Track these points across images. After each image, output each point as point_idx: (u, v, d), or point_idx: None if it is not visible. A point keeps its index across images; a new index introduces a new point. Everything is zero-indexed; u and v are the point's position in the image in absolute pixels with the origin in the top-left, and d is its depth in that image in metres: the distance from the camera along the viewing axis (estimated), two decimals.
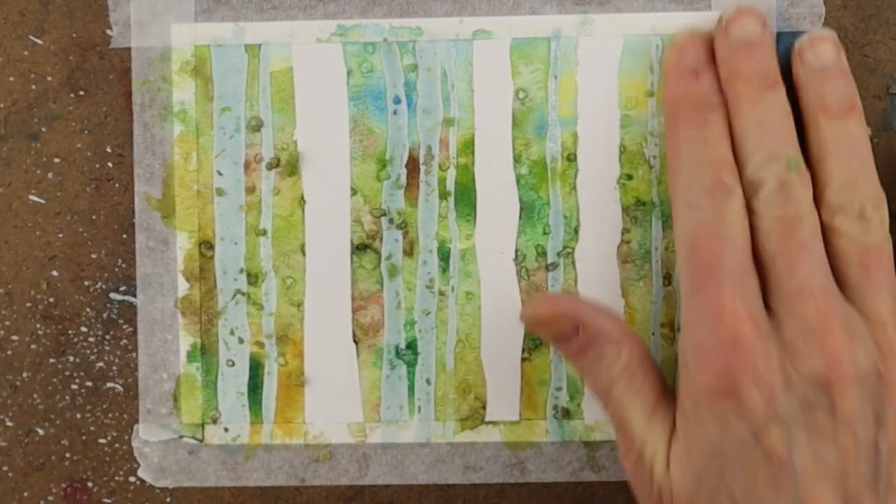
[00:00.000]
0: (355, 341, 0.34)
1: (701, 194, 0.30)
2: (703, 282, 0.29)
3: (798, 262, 0.29)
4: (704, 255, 0.29)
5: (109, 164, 0.34)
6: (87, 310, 0.34)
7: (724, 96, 0.31)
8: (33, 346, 0.34)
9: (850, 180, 0.30)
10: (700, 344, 0.29)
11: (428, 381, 0.34)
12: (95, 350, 0.34)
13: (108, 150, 0.34)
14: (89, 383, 0.34)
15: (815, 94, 0.30)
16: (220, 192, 0.34)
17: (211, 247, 0.34)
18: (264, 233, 0.34)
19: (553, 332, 0.31)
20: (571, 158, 0.34)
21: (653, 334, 0.34)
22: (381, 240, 0.34)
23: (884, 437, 0.28)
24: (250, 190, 0.34)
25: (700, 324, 0.29)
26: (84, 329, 0.34)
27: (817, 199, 0.30)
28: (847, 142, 0.30)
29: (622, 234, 0.34)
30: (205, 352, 0.34)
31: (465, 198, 0.34)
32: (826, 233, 0.30)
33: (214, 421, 0.34)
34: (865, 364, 0.28)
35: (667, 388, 0.31)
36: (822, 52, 0.31)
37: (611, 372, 0.30)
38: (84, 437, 0.34)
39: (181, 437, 0.34)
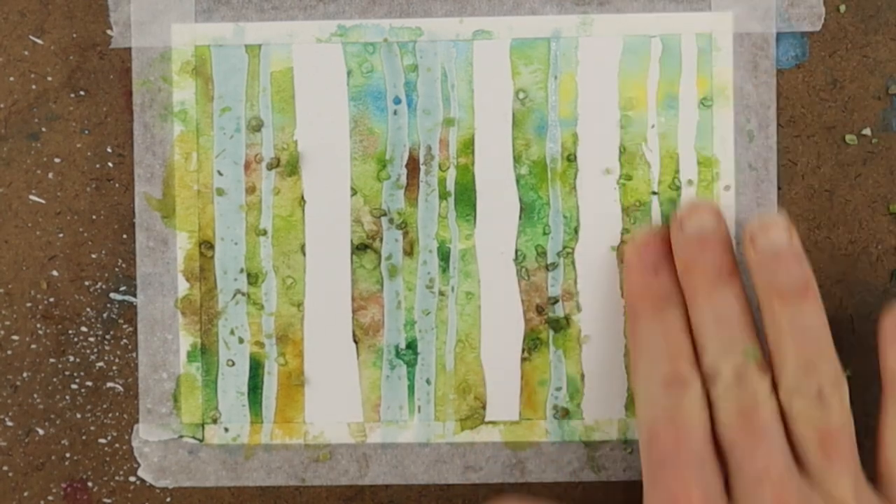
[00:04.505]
0: (355, 341, 0.34)
1: (659, 386, 0.30)
2: (661, 472, 0.29)
3: (756, 449, 0.29)
4: (662, 444, 0.29)
5: (109, 164, 0.34)
6: (87, 310, 0.34)
7: (682, 289, 0.31)
8: (33, 346, 0.34)
9: (806, 362, 0.30)
10: None
11: (428, 381, 0.34)
12: (95, 350, 0.34)
13: (109, 150, 0.34)
14: (89, 383, 0.34)
15: (769, 278, 0.31)
16: (220, 192, 0.34)
17: (211, 247, 0.34)
18: (264, 233, 0.34)
19: None
20: (571, 158, 0.34)
21: None
22: (381, 240, 0.34)
23: None
24: (250, 190, 0.34)
25: None
26: (84, 329, 0.34)
27: (776, 382, 0.30)
28: (803, 324, 0.30)
29: (622, 234, 0.34)
30: (205, 352, 0.34)
31: (465, 198, 0.34)
32: (786, 415, 0.30)
33: (214, 421, 0.34)
34: None
35: None
36: (774, 236, 0.31)
37: None
38: (84, 437, 0.34)
39: (181, 436, 0.34)
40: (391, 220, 0.34)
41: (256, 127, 0.34)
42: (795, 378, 0.30)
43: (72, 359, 0.34)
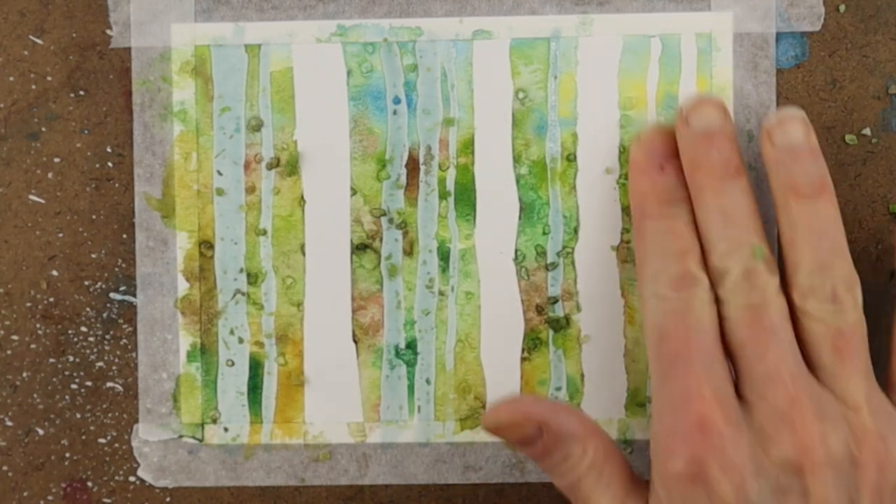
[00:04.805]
0: (355, 341, 0.34)
1: (668, 284, 0.30)
2: (672, 370, 0.29)
3: (766, 348, 0.29)
4: (672, 343, 0.29)
5: (109, 164, 0.34)
6: (87, 310, 0.34)
7: (688, 187, 0.31)
8: (33, 346, 0.34)
9: (821, 262, 0.30)
10: (669, 431, 0.29)
11: (428, 381, 0.34)
12: (95, 350, 0.34)
13: (108, 150, 0.34)
14: (89, 383, 0.34)
15: (785, 175, 0.30)
16: (220, 192, 0.34)
17: (211, 247, 0.34)
18: (264, 233, 0.34)
19: (516, 436, 0.30)
20: (571, 158, 0.34)
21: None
22: (380, 240, 0.34)
23: None
24: (250, 190, 0.34)
25: (669, 411, 0.29)
26: (84, 329, 0.34)
27: (789, 281, 0.30)
28: (818, 223, 0.30)
29: (622, 234, 0.34)
30: (205, 352, 0.34)
31: (464, 198, 0.34)
32: (798, 316, 0.30)
33: (214, 421, 0.34)
34: (838, 448, 0.28)
35: (635, 478, 0.31)
36: (791, 132, 0.31)
37: (577, 470, 0.30)
38: (84, 437, 0.34)
39: (181, 436, 0.34)
40: (391, 220, 0.34)
41: (256, 127, 0.34)
42: (810, 277, 0.29)
43: (72, 359, 0.34)
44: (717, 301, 0.30)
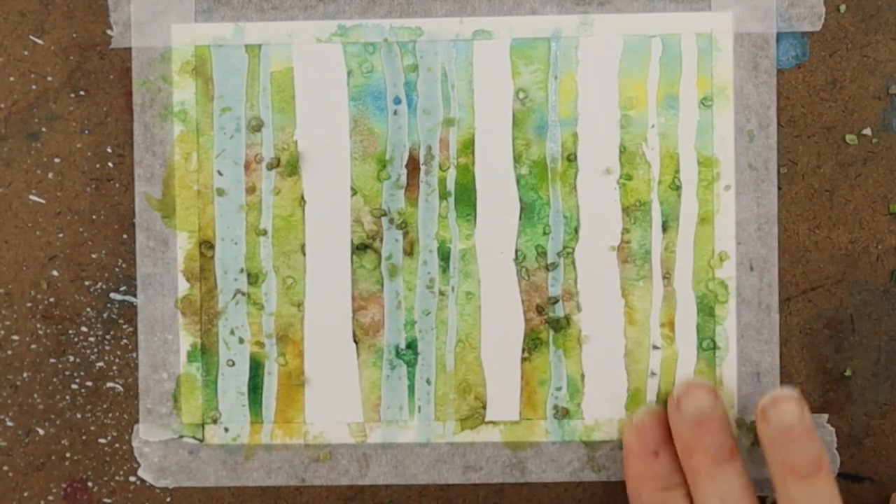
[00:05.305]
0: (355, 341, 0.34)
1: None
2: None
3: None
4: None
5: (109, 164, 0.34)
6: (87, 310, 0.34)
7: (683, 470, 0.32)
8: (33, 346, 0.34)
9: None
10: None
11: (428, 381, 0.34)
12: (95, 350, 0.34)
13: (109, 150, 0.34)
14: (89, 383, 0.34)
15: (781, 455, 0.31)
16: (220, 192, 0.34)
17: (211, 247, 0.34)
18: (264, 233, 0.34)
19: None
20: (571, 158, 0.34)
21: (652, 334, 0.34)
22: (381, 240, 0.34)
23: None
24: (250, 190, 0.34)
25: None
26: (84, 329, 0.34)
27: None
28: (816, 501, 0.30)
29: (622, 233, 0.34)
30: (205, 352, 0.34)
31: (465, 198, 0.34)
32: None
33: (214, 421, 0.34)
34: None
35: None
36: (785, 412, 0.31)
37: None
38: (84, 437, 0.34)
39: (181, 437, 0.34)
40: (391, 220, 0.34)
41: (256, 127, 0.34)
42: None
43: (72, 359, 0.34)
44: None
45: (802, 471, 0.30)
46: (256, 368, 0.34)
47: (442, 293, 0.34)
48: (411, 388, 0.34)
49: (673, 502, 0.32)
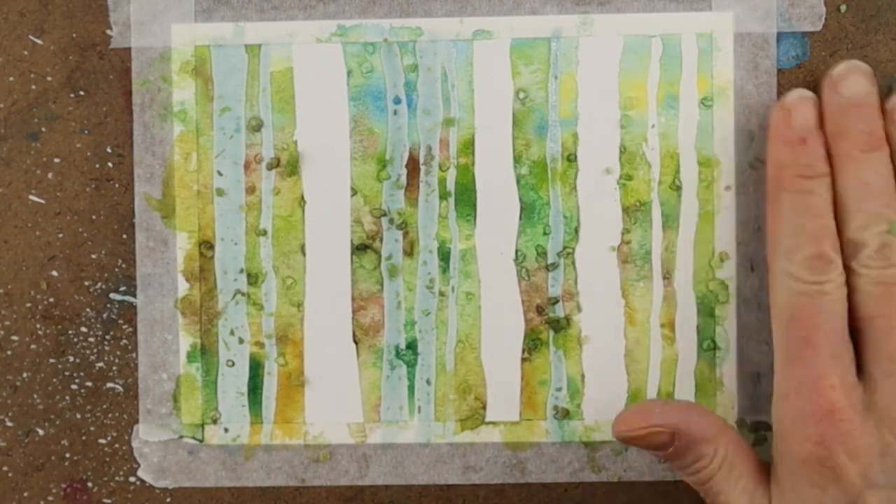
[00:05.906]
0: (355, 341, 0.34)
1: (802, 265, 0.30)
2: (800, 352, 0.29)
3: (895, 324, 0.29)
4: (803, 326, 0.29)
5: (109, 164, 0.34)
6: (87, 310, 0.34)
7: (829, 158, 0.31)
8: (33, 346, 0.34)
9: None
10: (796, 414, 0.29)
11: (428, 382, 0.34)
12: (95, 350, 0.34)
13: (108, 150, 0.34)
14: (89, 383, 0.34)
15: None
16: (220, 193, 0.34)
17: (211, 247, 0.34)
18: (264, 233, 0.34)
19: (648, 444, 0.31)
20: (571, 158, 0.34)
21: (652, 334, 0.34)
22: (381, 240, 0.34)
23: None
24: (250, 190, 0.34)
25: (796, 394, 0.29)
26: (84, 329, 0.34)
27: None
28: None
29: (622, 234, 0.34)
30: (205, 352, 0.34)
31: (465, 198, 0.34)
32: None
33: (214, 421, 0.34)
34: None
35: (762, 466, 0.31)
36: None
37: (710, 469, 0.31)
38: (84, 437, 0.34)
39: (181, 437, 0.34)
40: (391, 221, 0.34)
41: (256, 127, 0.34)
42: None
43: (72, 359, 0.34)
44: (848, 272, 0.30)
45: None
46: (256, 369, 0.34)
47: (442, 293, 0.34)
48: (411, 389, 0.34)
49: (815, 191, 0.30)
